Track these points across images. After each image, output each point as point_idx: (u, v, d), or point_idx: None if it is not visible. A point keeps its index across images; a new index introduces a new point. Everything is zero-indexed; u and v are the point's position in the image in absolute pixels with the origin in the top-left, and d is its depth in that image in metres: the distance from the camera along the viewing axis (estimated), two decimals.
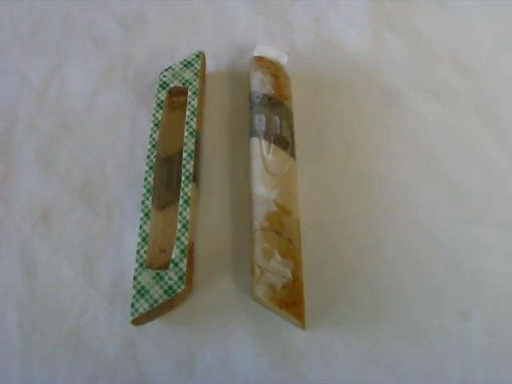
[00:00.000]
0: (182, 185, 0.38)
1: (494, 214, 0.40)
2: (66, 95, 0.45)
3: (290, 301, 0.35)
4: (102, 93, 0.45)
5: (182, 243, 0.37)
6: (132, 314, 0.35)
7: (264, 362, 0.36)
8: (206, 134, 0.43)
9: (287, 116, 0.41)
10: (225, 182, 0.41)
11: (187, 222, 0.37)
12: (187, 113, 0.41)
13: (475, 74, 0.46)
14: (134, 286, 0.36)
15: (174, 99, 0.43)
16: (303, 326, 0.36)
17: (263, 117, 0.40)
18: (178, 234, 0.37)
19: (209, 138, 0.43)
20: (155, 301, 0.35)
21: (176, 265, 0.36)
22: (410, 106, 0.44)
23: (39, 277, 0.38)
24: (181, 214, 0.37)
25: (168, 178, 0.40)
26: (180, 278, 0.36)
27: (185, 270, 0.36)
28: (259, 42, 0.45)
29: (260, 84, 0.42)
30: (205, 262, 0.39)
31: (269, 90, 0.41)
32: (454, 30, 0.49)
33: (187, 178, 0.39)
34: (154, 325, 0.37)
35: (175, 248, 0.36)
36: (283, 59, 0.43)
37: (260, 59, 0.43)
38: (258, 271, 0.36)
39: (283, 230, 0.37)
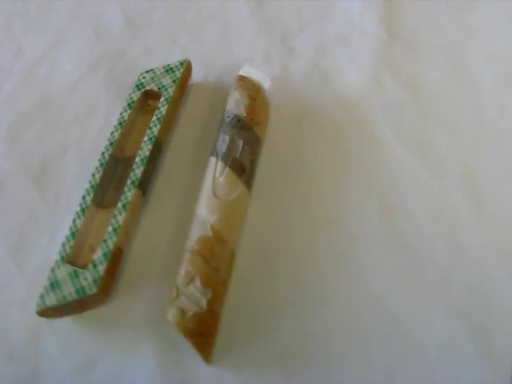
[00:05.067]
0: (126, 188, 0.38)
1: (446, 293, 0.37)
2: (53, 77, 0.46)
3: (197, 331, 0.33)
4: (86, 81, 0.45)
5: (108, 246, 0.36)
6: (38, 305, 0.34)
7: None
8: (171, 144, 0.43)
9: (253, 142, 0.40)
10: (176, 196, 0.40)
11: (119, 227, 0.36)
12: (153, 118, 0.40)
13: (470, 140, 0.43)
14: (49, 278, 0.35)
15: (150, 102, 0.43)
16: (207, 361, 0.34)
17: (227, 138, 0.39)
18: (106, 237, 0.36)
19: (173, 150, 0.43)
20: (64, 298, 0.34)
21: (95, 266, 0.35)
22: (392, 159, 0.42)
23: None
24: (115, 217, 0.37)
25: (120, 179, 0.39)
26: (95, 280, 0.35)
27: (102, 273, 0.35)
28: (248, 62, 0.43)
29: (235, 104, 0.41)
30: (134, 273, 0.38)
31: (241, 111, 0.40)
32: (459, 88, 0.45)
33: (133, 182, 0.38)
34: (64, 322, 0.36)
35: (99, 250, 0.36)
36: (266, 83, 0.42)
37: (242, 79, 0.42)
38: (174, 293, 0.35)
39: (212, 257, 0.35)
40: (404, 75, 0.45)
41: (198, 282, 0.35)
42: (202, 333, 0.34)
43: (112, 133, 0.40)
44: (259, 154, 0.41)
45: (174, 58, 0.45)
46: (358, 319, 0.36)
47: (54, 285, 0.35)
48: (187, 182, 0.40)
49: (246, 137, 0.39)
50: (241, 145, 0.39)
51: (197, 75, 0.45)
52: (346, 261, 0.38)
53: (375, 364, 0.35)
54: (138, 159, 0.39)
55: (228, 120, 0.40)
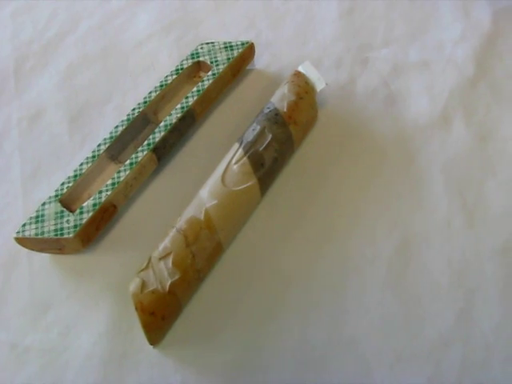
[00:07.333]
0: (140, 149, 0.37)
1: (436, 366, 0.32)
2: (126, 29, 0.46)
3: (149, 309, 0.32)
4: (153, 41, 0.45)
5: (100, 198, 0.35)
6: (17, 232, 0.35)
7: (101, 350, 0.33)
8: (208, 121, 0.41)
9: (283, 140, 0.37)
10: (193, 174, 0.38)
11: (118, 183, 0.35)
12: (193, 89, 0.39)
13: None
14: (37, 210, 0.35)
15: (201, 74, 0.42)
16: (151, 342, 0.33)
17: (258, 128, 0.37)
18: (102, 188, 0.35)
19: (207, 126, 0.41)
20: (42, 233, 0.34)
21: (81, 213, 0.35)
22: (430, 204, 0.37)
23: None
24: (119, 172, 0.36)
25: (144, 140, 0.38)
26: (75, 226, 0.34)
27: (84, 222, 0.34)
28: (313, 61, 0.40)
29: (280, 97, 0.38)
30: (123, 234, 0.37)
31: (282, 106, 0.37)
32: None
33: (148, 145, 0.37)
34: (41, 257, 0.36)
35: (91, 199, 0.35)
36: (320, 85, 0.39)
37: (297, 75, 0.39)
38: (145, 263, 0.33)
39: (195, 241, 0.33)
40: (478, 120, 0.40)
41: (169, 261, 0.33)
42: (154, 312, 0.32)
43: (150, 92, 0.39)
44: (288, 154, 0.38)
45: (245, 39, 0.44)
46: (326, 358, 0.32)
47: (38, 217, 0.35)
48: (209, 164, 0.37)
49: (277, 133, 0.37)
50: (269, 139, 0.36)
51: (261, 61, 0.43)
52: (335, 292, 0.34)
53: None
54: (162, 124, 0.37)
55: (267, 111, 0.38)
